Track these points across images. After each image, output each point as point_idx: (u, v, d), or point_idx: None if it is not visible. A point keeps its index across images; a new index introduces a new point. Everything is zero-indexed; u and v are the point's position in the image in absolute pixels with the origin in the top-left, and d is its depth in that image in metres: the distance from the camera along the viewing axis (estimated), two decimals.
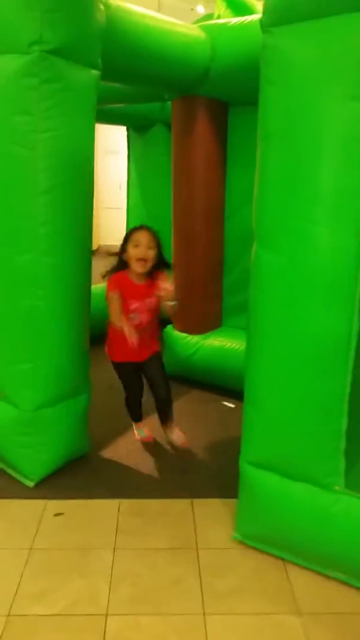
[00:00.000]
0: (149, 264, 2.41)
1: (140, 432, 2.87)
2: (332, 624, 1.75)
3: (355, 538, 1.79)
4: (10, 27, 1.99)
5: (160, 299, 2.46)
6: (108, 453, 2.76)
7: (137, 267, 2.40)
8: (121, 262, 2.46)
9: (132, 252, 2.39)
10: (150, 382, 2.69)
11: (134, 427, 2.90)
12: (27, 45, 1.99)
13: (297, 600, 1.84)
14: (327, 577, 1.92)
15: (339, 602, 1.84)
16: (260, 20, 1.66)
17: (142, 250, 2.38)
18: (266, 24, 1.63)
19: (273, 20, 1.61)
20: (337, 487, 1.81)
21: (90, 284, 2.52)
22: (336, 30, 1.52)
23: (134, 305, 2.45)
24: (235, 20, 2.94)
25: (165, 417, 2.73)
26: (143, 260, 2.39)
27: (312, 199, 1.62)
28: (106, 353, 2.64)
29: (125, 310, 2.42)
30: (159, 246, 2.45)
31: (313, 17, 1.54)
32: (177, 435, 2.75)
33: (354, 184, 1.56)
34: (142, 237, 2.40)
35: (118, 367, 2.66)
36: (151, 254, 2.40)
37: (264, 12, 1.65)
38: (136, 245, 2.38)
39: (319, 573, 1.94)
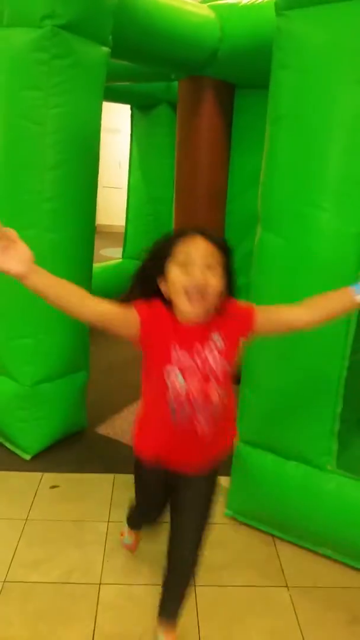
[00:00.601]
0: (212, 300, 1.25)
1: (128, 537, 1.94)
2: (318, 597, 1.81)
3: (344, 516, 1.85)
4: (23, 0, 1.97)
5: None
6: (104, 430, 2.81)
7: (188, 306, 1.24)
8: (149, 289, 1.33)
9: (179, 278, 1.23)
10: (174, 519, 1.50)
11: (124, 529, 1.94)
12: (39, 19, 1.98)
13: (285, 574, 1.91)
14: (315, 553, 1.99)
15: (325, 576, 1.90)
16: (275, 3, 1.66)
17: (197, 275, 1.22)
18: (281, 7, 1.64)
19: (288, 3, 1.61)
20: (329, 467, 1.87)
21: (92, 262, 2.53)
22: (350, 14, 1.52)
23: (182, 362, 1.28)
24: (245, 1, 2.91)
25: (171, 604, 1.54)
26: (200, 293, 1.22)
27: (318, 184, 1.64)
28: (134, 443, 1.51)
29: (158, 373, 1.30)
30: (228, 266, 1.29)
31: (327, 1, 1.54)
32: None
33: None
34: (198, 250, 1.24)
35: (138, 466, 1.53)
36: (214, 281, 1.23)
37: None
38: (186, 265, 1.23)
39: (307, 549, 2.01)
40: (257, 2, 2.84)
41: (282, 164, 1.72)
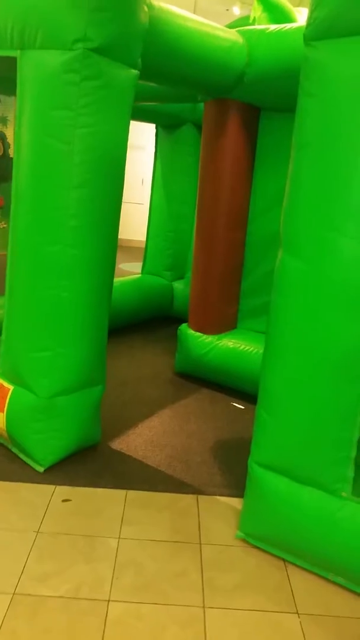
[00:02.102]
0: None
1: None
2: (330, 625, 1.79)
3: (358, 544, 1.82)
4: (57, 23, 2.04)
5: None
6: (118, 445, 2.82)
7: None
8: None
9: None
10: None
11: None
12: (71, 42, 2.04)
13: (296, 600, 1.88)
14: (328, 580, 1.96)
15: (337, 605, 1.87)
16: (304, 34, 1.69)
17: None
18: (309, 37, 1.67)
19: (316, 34, 1.64)
20: (344, 494, 1.85)
21: (113, 277, 2.56)
22: None
23: None
24: (274, 27, 2.97)
25: None
26: None
27: (342, 211, 1.65)
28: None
29: None
30: None
31: (355, 34, 1.57)
32: None
33: None
34: None
35: None
36: None
37: (307, 26, 1.68)
38: None
39: (319, 576, 1.98)
40: (285, 28, 2.89)
41: (305, 189, 1.73)
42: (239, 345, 3.48)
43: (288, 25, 2.95)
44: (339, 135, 1.63)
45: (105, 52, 2.10)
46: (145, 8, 2.25)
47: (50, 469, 2.52)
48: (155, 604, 1.82)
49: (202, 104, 3.56)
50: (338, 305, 1.73)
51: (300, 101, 1.73)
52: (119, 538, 2.12)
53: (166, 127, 4.80)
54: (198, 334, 3.65)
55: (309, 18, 1.68)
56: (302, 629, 1.77)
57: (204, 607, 1.82)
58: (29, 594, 1.82)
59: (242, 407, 3.40)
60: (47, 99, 2.12)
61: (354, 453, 1.83)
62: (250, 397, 3.39)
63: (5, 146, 7.63)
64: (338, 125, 1.62)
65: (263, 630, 1.76)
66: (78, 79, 2.07)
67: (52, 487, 2.40)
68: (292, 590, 1.93)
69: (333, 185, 1.66)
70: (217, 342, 3.56)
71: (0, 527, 2.13)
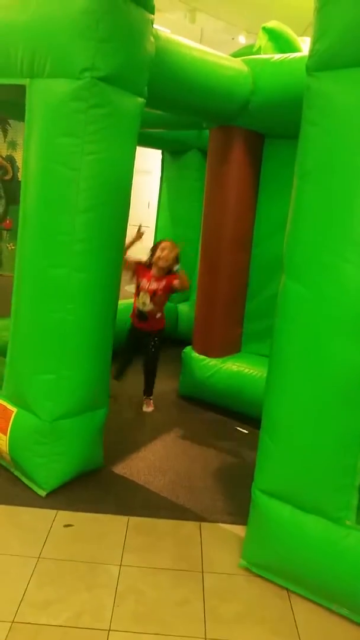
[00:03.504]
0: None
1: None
2: None
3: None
4: (66, 53, 2.09)
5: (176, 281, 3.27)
6: (120, 469, 2.79)
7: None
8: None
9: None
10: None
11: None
12: (79, 71, 2.09)
13: (299, 631, 1.84)
14: (331, 611, 1.92)
15: (340, 637, 1.83)
16: (306, 64, 1.72)
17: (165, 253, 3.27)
18: (311, 68, 1.70)
19: (318, 65, 1.68)
20: (348, 522, 1.82)
21: (117, 300, 2.58)
22: None
23: (146, 285, 3.34)
24: (278, 56, 3.03)
25: (147, 387, 3.56)
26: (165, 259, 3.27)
27: (345, 238, 1.67)
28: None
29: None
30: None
31: (357, 65, 1.60)
32: (147, 407, 3.54)
33: None
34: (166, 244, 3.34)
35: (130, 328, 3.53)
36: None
37: (310, 57, 1.72)
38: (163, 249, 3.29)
39: (322, 606, 1.94)
40: (289, 57, 2.95)
41: (308, 216, 1.75)
42: (243, 368, 3.47)
43: (292, 55, 3.01)
44: (340, 163, 1.65)
45: (113, 81, 2.15)
46: (152, 39, 2.30)
47: (52, 493, 2.49)
48: (157, 634, 1.78)
49: (207, 131, 3.61)
50: (340, 330, 1.73)
51: (303, 130, 1.76)
52: (120, 565, 2.09)
53: (172, 152, 4.87)
54: (202, 356, 3.64)
55: (311, 49, 1.72)
56: None
57: (205, 637, 1.78)
58: (29, 622, 1.79)
59: (246, 432, 3.37)
60: (55, 126, 2.16)
61: (358, 481, 1.81)
62: (254, 421, 3.36)
63: (15, 170, 7.75)
64: (339, 153, 1.65)
65: None
66: (85, 107, 2.12)
67: (54, 511, 2.38)
68: (295, 621, 1.89)
69: (334, 213, 1.68)
70: (222, 365, 3.55)
71: (1, 552, 2.10)
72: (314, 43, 1.72)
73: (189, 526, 2.37)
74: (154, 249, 3.31)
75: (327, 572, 1.87)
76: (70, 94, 2.12)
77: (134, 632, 1.78)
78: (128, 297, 3.93)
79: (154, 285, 3.27)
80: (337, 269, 1.71)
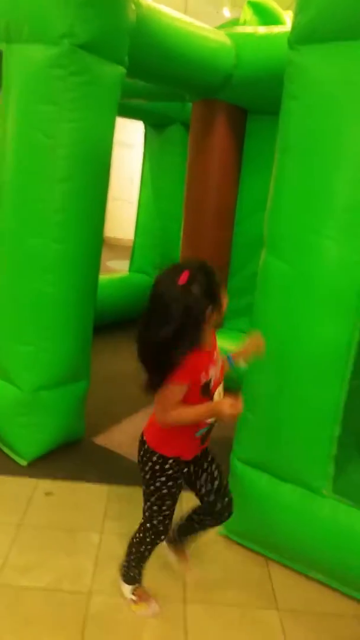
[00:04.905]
0: None
1: (143, 605, 1.80)
2: (308, 622, 1.81)
3: (338, 542, 1.85)
4: (43, 18, 2.05)
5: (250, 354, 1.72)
6: (102, 440, 2.83)
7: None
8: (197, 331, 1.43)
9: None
10: (208, 484, 1.75)
11: (133, 597, 1.80)
12: (57, 37, 2.05)
13: (276, 596, 1.91)
14: (308, 577, 1.99)
15: (316, 602, 1.90)
16: (288, 38, 1.71)
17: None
18: (293, 42, 1.69)
19: (300, 38, 1.67)
20: (325, 491, 1.87)
21: (98, 274, 2.57)
22: (358, 53, 1.57)
23: (214, 374, 1.60)
24: (262, 30, 2.99)
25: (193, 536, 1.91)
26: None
27: (324, 213, 1.68)
28: (147, 444, 1.65)
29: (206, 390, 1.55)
30: None
31: (339, 39, 1.59)
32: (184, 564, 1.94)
33: None
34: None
35: (162, 470, 1.61)
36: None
37: (292, 30, 1.70)
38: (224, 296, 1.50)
39: (300, 573, 2.01)
40: (273, 32, 2.92)
41: (288, 191, 1.76)
42: (224, 344, 3.48)
43: (276, 29, 2.98)
44: (321, 138, 1.65)
45: (92, 48, 2.11)
46: (133, 6, 2.26)
47: (33, 463, 2.52)
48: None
49: (190, 104, 3.58)
50: (319, 306, 1.76)
51: (284, 104, 1.75)
52: (101, 532, 2.13)
53: (154, 125, 4.81)
54: None
55: (294, 22, 1.70)
56: (281, 624, 1.80)
57: (184, 601, 1.84)
58: (10, 585, 1.82)
59: None
60: (33, 93, 2.12)
61: (335, 450, 1.86)
62: (234, 393, 3.41)
63: None
64: (320, 128, 1.65)
65: (243, 625, 1.78)
66: (64, 74, 2.08)
67: (35, 480, 2.41)
68: (272, 587, 1.95)
69: (315, 188, 1.69)
70: None
71: None
72: (296, 16, 1.70)
73: None
74: (211, 292, 1.44)
75: (304, 539, 1.93)
76: (48, 60, 2.08)
77: (114, 596, 1.82)
78: (108, 271, 3.84)
79: (218, 372, 1.64)
80: (316, 245, 1.72)
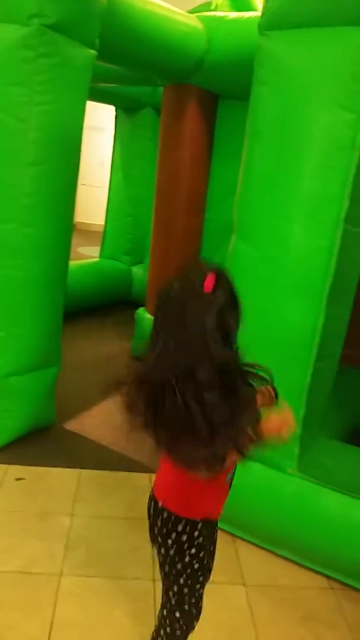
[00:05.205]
0: None
1: None
2: (274, 595, 1.88)
3: (302, 519, 1.92)
4: None
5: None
6: (72, 426, 2.83)
7: None
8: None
9: None
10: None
11: None
12: (26, 17, 2.01)
13: (243, 573, 1.96)
14: (274, 554, 2.05)
15: (282, 576, 1.97)
16: (258, 23, 1.73)
17: None
18: (263, 27, 1.71)
19: (270, 24, 1.69)
20: (290, 470, 1.94)
21: (68, 259, 2.56)
22: (329, 40, 1.60)
23: None
24: (233, 14, 2.99)
25: None
26: None
27: (292, 199, 1.72)
28: (169, 510, 1.22)
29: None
30: None
31: (308, 26, 1.62)
32: None
33: (332, 188, 1.66)
34: None
35: (191, 540, 1.22)
36: None
37: (262, 16, 1.72)
38: None
39: (266, 549, 2.07)
40: (244, 17, 2.92)
41: (257, 177, 1.79)
42: None
43: (247, 14, 2.98)
44: (289, 124, 1.68)
45: (62, 29, 2.08)
46: None
47: (3, 449, 2.51)
48: (107, 577, 1.86)
49: (161, 88, 3.56)
50: (287, 290, 1.80)
51: (254, 89, 1.77)
52: (72, 515, 2.15)
53: (126, 109, 4.77)
54: None
55: (264, 8, 1.72)
56: (247, 599, 1.86)
57: (154, 579, 1.88)
58: None
59: None
60: (2, 74, 2.08)
61: (300, 431, 1.92)
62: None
63: None
64: (289, 114, 1.68)
65: (211, 601, 1.81)
66: (34, 56, 2.05)
67: (5, 466, 2.40)
68: (239, 564, 2.01)
69: (283, 174, 1.72)
70: None
71: None
72: (266, 2, 1.72)
73: (140, 477, 2.45)
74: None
75: (270, 517, 1.99)
76: (17, 41, 2.04)
77: (85, 576, 1.85)
78: (78, 258, 3.80)
79: None
80: (284, 230, 1.76)
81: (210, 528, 1.26)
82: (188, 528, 1.20)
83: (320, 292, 1.76)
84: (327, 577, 1.98)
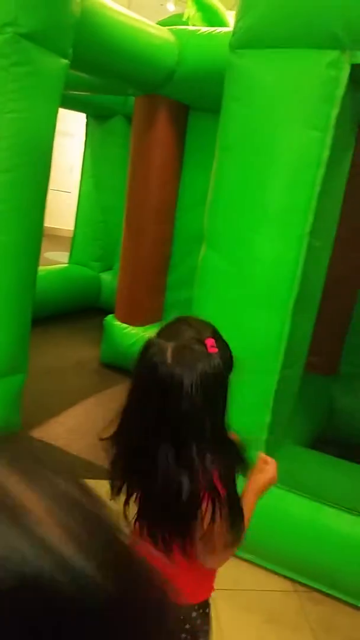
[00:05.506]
0: None
1: None
2: (239, 599, 1.92)
3: (269, 523, 1.96)
4: None
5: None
6: (39, 433, 2.82)
7: None
8: None
9: None
10: None
11: None
12: (0, 26, 2.01)
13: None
14: (238, 557, 2.09)
15: (246, 580, 2.01)
16: (230, 41, 1.78)
17: None
18: (235, 45, 1.76)
19: (241, 42, 1.74)
20: None
21: (37, 266, 2.56)
22: (298, 61, 1.67)
23: None
24: (205, 29, 3.06)
25: None
26: None
27: (260, 212, 1.77)
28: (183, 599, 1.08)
29: None
30: None
31: (278, 46, 1.68)
32: None
33: (299, 203, 1.73)
34: None
35: (206, 620, 1.16)
36: None
37: (233, 34, 1.77)
38: None
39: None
40: (215, 32, 2.99)
41: (227, 189, 1.84)
42: None
43: (219, 29, 3.05)
44: (259, 140, 1.74)
45: (36, 39, 2.09)
46: None
47: None
48: None
49: (132, 97, 3.59)
50: (254, 300, 1.85)
51: (225, 104, 1.83)
52: None
53: (96, 117, 4.78)
54: (124, 325, 3.69)
55: (235, 27, 1.77)
56: (213, 603, 1.88)
57: None
58: None
59: None
60: None
61: (265, 435, 1.97)
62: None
63: None
64: (258, 130, 1.74)
65: None
66: (7, 64, 2.05)
67: None
68: None
69: (252, 188, 1.77)
70: (143, 333, 3.62)
71: None
72: (237, 21, 1.78)
73: (108, 485, 2.45)
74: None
75: None
76: None
77: None
78: (46, 263, 3.78)
79: None
80: (252, 242, 1.81)
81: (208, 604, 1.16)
82: (201, 610, 1.13)
83: (286, 302, 1.82)
84: (292, 580, 2.03)
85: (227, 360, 0.95)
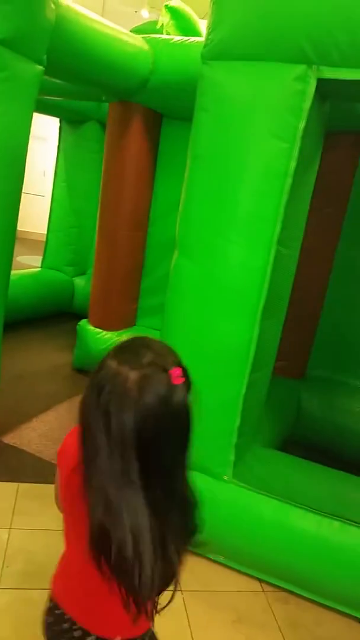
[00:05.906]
0: None
1: None
2: (208, 599, 1.95)
3: (236, 524, 2.00)
4: None
5: None
6: (11, 439, 2.80)
7: None
8: None
9: None
10: None
11: None
12: None
13: (179, 579, 2.02)
14: (210, 560, 2.12)
15: (215, 581, 2.04)
16: (201, 52, 1.82)
17: None
18: (206, 57, 1.81)
19: (213, 54, 1.79)
20: (225, 477, 2.02)
21: (10, 271, 2.55)
22: (267, 74, 1.71)
23: None
24: (178, 38, 3.10)
25: None
26: None
27: (230, 220, 1.81)
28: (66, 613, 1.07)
29: None
30: None
31: (248, 59, 1.72)
32: None
33: (268, 212, 1.78)
34: None
35: None
36: None
37: (205, 46, 1.82)
38: None
39: (202, 556, 2.13)
40: (188, 41, 3.04)
41: (198, 197, 1.88)
42: None
43: (192, 38, 3.10)
44: (228, 150, 1.78)
45: (10, 45, 2.10)
46: (52, 5, 2.27)
47: None
48: (46, 589, 1.86)
49: (106, 103, 3.61)
50: (225, 305, 1.89)
51: (196, 115, 1.87)
52: (9, 528, 2.13)
53: (70, 122, 4.78)
54: (97, 330, 3.70)
55: (206, 39, 1.82)
56: (184, 604, 1.91)
57: None
58: None
59: None
60: None
61: (235, 439, 2.01)
62: None
63: None
64: (228, 141, 1.78)
65: None
66: None
67: None
68: None
69: (222, 196, 1.82)
70: (117, 338, 3.63)
71: None
72: (209, 33, 1.82)
73: None
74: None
75: (206, 524, 2.05)
76: None
77: (24, 589, 1.85)
78: (18, 267, 3.74)
79: None
80: (223, 249, 1.86)
81: None
82: None
83: (255, 308, 1.87)
84: (260, 580, 2.07)
85: (190, 389, 0.87)
